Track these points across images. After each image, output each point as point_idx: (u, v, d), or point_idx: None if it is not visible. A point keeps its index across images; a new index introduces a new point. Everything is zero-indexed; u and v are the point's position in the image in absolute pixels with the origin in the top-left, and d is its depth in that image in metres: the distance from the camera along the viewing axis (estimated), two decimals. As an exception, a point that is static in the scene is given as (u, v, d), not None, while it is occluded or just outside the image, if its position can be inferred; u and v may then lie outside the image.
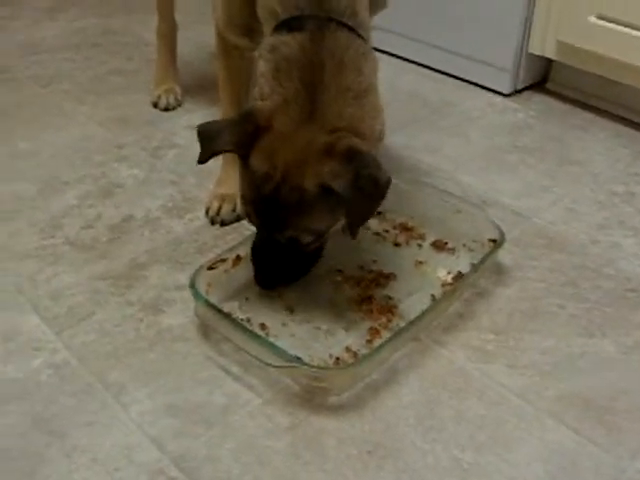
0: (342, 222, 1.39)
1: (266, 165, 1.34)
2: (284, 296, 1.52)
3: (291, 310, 1.50)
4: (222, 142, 1.38)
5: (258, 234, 1.46)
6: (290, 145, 1.32)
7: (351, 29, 1.38)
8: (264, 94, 1.37)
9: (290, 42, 1.36)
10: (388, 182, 1.33)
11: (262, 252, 1.45)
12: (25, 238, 1.71)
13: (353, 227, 1.35)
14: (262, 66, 1.40)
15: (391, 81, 2.45)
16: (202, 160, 1.41)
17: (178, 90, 2.30)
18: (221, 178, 1.80)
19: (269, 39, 1.41)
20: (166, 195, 1.86)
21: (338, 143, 1.31)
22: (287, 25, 1.37)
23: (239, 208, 1.73)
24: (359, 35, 1.40)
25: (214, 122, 1.44)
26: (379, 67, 1.47)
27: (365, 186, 1.30)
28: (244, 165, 1.37)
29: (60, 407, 1.31)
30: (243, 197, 1.42)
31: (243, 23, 1.55)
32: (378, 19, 2.38)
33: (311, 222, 1.37)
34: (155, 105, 2.27)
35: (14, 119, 2.21)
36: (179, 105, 2.28)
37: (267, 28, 1.43)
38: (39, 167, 1.98)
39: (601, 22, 2.07)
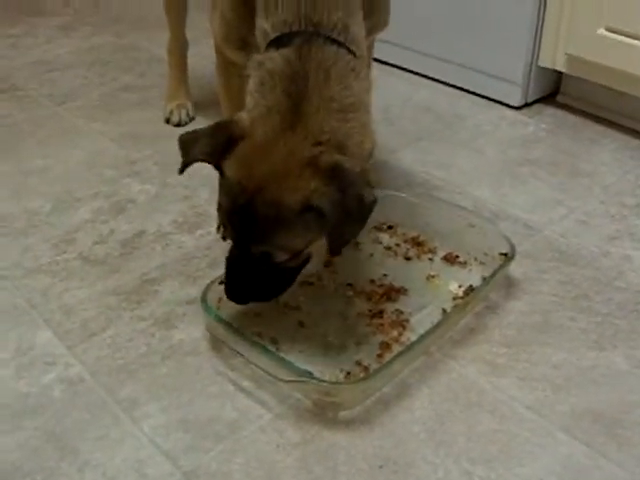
0: (321, 241, 1.34)
1: (240, 174, 1.29)
2: (295, 310, 1.53)
3: (302, 324, 1.50)
4: (196, 152, 1.34)
5: (232, 246, 1.40)
6: (268, 155, 1.28)
7: (341, 44, 1.35)
8: (248, 110, 1.35)
9: (275, 57, 1.33)
10: (374, 202, 1.28)
11: (235, 265, 1.39)
12: (38, 253, 1.72)
13: (334, 247, 1.30)
14: (249, 84, 1.38)
15: (404, 95, 2.47)
16: (180, 170, 1.37)
17: (190, 106, 2.32)
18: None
19: (257, 57, 1.39)
20: (178, 210, 1.87)
21: (321, 158, 1.26)
22: (275, 42, 1.36)
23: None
24: (350, 51, 1.36)
25: (193, 131, 1.39)
26: (373, 85, 1.44)
27: (351, 206, 1.25)
28: (221, 174, 1.34)
29: (72, 422, 1.31)
30: (219, 206, 1.37)
31: (240, 37, 1.52)
32: (391, 35, 2.41)
33: (286, 239, 1.31)
34: (167, 121, 2.29)
35: (28, 136, 2.23)
36: (191, 120, 2.30)
37: (261, 50, 1.41)
38: (52, 183, 2.00)
39: (610, 35, 2.07)
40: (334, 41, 1.34)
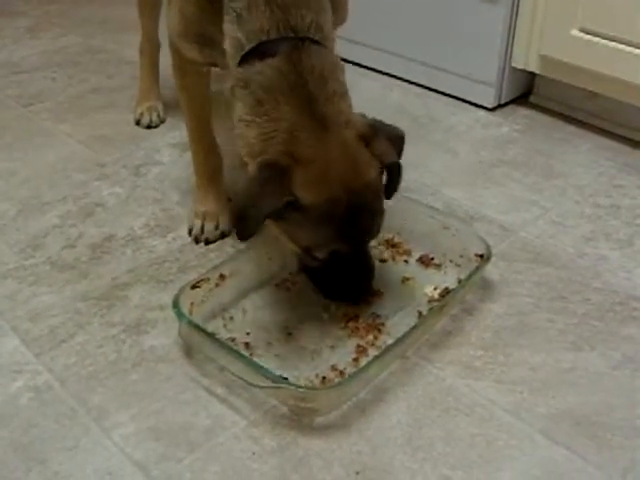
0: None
1: (325, 192, 1.29)
2: (270, 315, 1.51)
3: (277, 329, 1.47)
4: (270, 202, 1.28)
5: (346, 259, 1.38)
6: (332, 162, 1.29)
7: (321, 44, 1.35)
8: (250, 138, 1.32)
9: (265, 70, 1.31)
10: (404, 135, 1.43)
11: (364, 267, 1.46)
12: (5, 258, 1.68)
13: (394, 190, 1.43)
14: (239, 109, 1.35)
15: (378, 97, 2.45)
16: (253, 232, 1.31)
17: (160, 107, 2.29)
18: (200, 196, 1.77)
19: (238, 74, 1.35)
20: (149, 213, 1.84)
21: (358, 126, 1.34)
22: (256, 53, 1.32)
23: (222, 225, 1.72)
24: (327, 48, 1.37)
25: (237, 197, 1.35)
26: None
27: (399, 146, 1.41)
28: (299, 210, 1.29)
29: (40, 431, 1.28)
30: (316, 244, 1.35)
31: (199, 32, 1.48)
32: (364, 36, 2.40)
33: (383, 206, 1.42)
34: (137, 123, 2.26)
35: (-6, 138, 2.19)
36: (162, 122, 2.27)
37: (233, 63, 1.37)
38: (19, 187, 1.95)
39: (583, 35, 2.07)
40: (314, 42, 1.34)
